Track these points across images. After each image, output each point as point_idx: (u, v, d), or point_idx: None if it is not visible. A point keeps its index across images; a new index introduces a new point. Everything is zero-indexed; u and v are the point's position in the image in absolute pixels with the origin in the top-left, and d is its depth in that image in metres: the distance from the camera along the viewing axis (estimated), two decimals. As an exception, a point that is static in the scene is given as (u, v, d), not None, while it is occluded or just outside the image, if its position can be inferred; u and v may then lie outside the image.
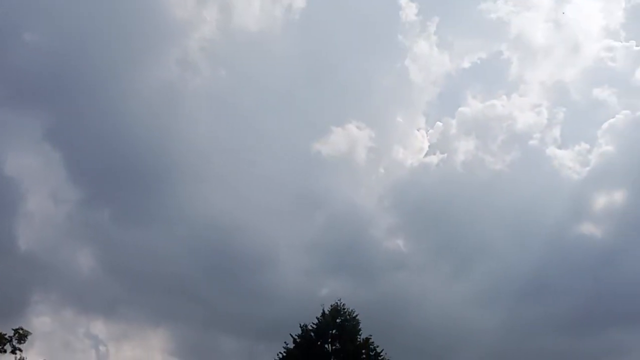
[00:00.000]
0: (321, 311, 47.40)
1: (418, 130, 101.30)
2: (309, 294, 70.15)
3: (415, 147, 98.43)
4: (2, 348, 47.84)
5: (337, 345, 46.68)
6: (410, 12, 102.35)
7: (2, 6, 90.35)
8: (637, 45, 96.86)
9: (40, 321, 74.50)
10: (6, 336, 47.98)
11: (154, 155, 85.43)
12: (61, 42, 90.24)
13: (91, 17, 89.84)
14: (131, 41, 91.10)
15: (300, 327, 47.09)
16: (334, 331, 46.97)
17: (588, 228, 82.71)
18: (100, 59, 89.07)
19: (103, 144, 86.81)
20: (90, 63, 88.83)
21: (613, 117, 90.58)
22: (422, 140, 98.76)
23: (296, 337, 46.85)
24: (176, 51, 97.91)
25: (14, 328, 48.38)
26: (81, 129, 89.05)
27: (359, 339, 46.77)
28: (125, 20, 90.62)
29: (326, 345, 46.75)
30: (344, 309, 47.67)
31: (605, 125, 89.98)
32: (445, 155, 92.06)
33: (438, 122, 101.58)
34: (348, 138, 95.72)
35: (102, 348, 78.00)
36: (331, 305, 47.75)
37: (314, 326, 47.02)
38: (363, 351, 46.27)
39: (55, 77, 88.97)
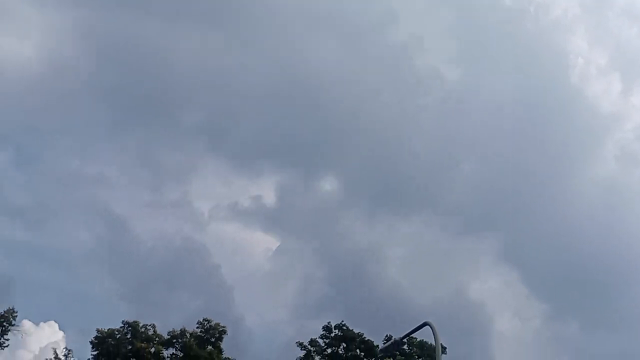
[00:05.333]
0: None
1: None
2: None
3: None
4: None
5: None
6: None
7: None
8: None
9: None
10: None
11: (609, 256, 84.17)
12: (494, 166, 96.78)
13: (521, 137, 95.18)
14: (562, 146, 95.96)
15: None
16: None
17: None
18: (534, 172, 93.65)
19: (555, 255, 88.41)
20: (525, 178, 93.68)
21: None
22: None
23: None
24: (611, 145, 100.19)
25: None
26: (531, 243, 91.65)
27: None
28: (552, 127, 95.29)
29: None
30: None
31: None
32: None
33: None
34: None
35: None
36: None
37: None
38: None
39: (495, 200, 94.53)
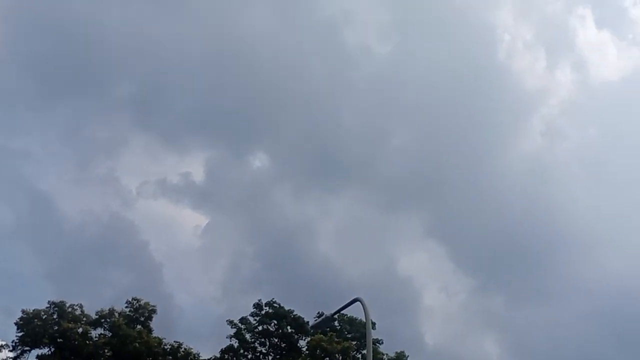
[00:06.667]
0: None
1: None
2: None
3: None
4: None
5: None
6: None
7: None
8: None
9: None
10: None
11: (535, 231, 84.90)
12: (423, 140, 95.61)
13: (449, 112, 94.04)
14: (489, 121, 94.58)
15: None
16: None
17: None
18: (461, 147, 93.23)
19: (482, 229, 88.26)
20: (453, 153, 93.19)
21: None
22: None
23: None
24: (537, 120, 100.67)
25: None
26: (458, 218, 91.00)
27: None
28: (479, 102, 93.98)
29: None
30: None
31: None
32: None
33: None
34: None
35: None
36: None
37: None
38: None
39: (424, 175, 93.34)
